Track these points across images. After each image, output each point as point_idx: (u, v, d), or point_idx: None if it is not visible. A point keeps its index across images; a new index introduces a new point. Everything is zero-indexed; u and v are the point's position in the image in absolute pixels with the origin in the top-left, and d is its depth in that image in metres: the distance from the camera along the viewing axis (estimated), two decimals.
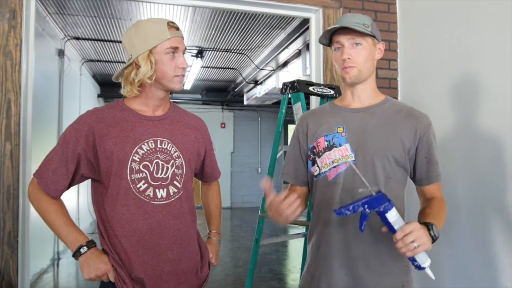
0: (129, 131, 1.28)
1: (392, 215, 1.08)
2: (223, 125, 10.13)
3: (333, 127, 1.33)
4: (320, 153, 1.34)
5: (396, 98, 2.61)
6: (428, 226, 1.11)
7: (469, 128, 2.06)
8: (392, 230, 1.08)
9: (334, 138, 1.31)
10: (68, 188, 1.30)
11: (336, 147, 1.30)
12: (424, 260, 1.09)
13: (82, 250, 1.23)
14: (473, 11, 2.06)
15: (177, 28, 1.31)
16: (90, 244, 1.26)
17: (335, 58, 1.31)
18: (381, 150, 1.26)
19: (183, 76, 1.32)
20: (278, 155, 2.42)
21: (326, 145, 1.32)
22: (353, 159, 1.27)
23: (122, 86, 1.32)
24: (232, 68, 6.93)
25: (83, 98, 6.30)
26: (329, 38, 1.34)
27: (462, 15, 2.12)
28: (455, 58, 2.17)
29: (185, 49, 1.32)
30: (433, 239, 1.10)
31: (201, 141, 1.44)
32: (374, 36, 1.29)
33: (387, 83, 2.63)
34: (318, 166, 1.35)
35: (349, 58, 1.26)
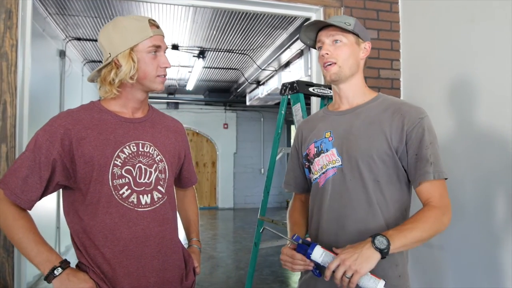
0: (109, 133, 1.19)
1: (316, 256, 1.07)
2: (225, 126, 10.10)
3: (322, 132, 1.31)
4: (311, 160, 1.32)
5: (399, 98, 2.56)
6: (372, 238, 1.04)
7: (473, 128, 2.01)
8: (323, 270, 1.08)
9: (322, 143, 1.29)
10: (40, 198, 1.18)
11: (323, 152, 1.27)
12: (372, 285, 1.01)
13: (56, 272, 1.11)
14: (477, 10, 2.02)
15: (158, 26, 1.25)
16: (64, 264, 1.13)
17: (318, 57, 1.30)
18: (365, 151, 1.20)
19: (165, 76, 1.25)
20: (278, 156, 2.39)
21: (315, 152, 1.30)
22: (340, 163, 1.23)
23: (99, 87, 1.24)
24: (234, 69, 6.90)
25: (85, 99, 6.28)
26: (314, 39, 1.33)
27: (465, 14, 2.08)
28: (459, 57, 2.12)
29: (167, 48, 1.27)
30: (381, 252, 1.03)
31: (181, 144, 1.39)
32: (357, 35, 1.26)
33: (389, 84, 2.58)
34: (312, 172, 1.33)
35: (327, 54, 1.24)
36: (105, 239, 1.16)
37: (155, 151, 1.26)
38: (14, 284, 1.99)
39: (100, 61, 6.27)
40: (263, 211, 2.49)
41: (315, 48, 1.34)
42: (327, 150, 1.26)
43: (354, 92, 1.30)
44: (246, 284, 2.48)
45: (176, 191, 1.52)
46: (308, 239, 1.17)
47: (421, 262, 2.22)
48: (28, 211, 1.19)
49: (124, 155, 1.19)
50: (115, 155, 1.18)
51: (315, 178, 1.30)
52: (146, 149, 1.24)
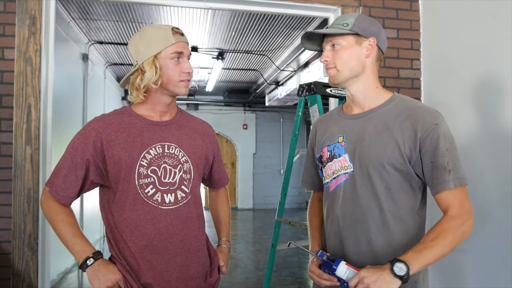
0: (136, 136, 1.28)
1: (341, 272, 1.12)
2: (245, 127, 10.13)
3: (335, 136, 1.30)
4: (324, 163, 1.31)
5: (419, 99, 2.52)
6: (391, 265, 1.05)
7: (497, 129, 1.96)
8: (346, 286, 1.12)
9: (335, 148, 1.28)
10: (78, 195, 1.30)
11: (336, 157, 1.26)
12: None
13: (88, 262, 1.22)
14: (500, 6, 1.96)
15: (182, 34, 1.31)
16: (97, 255, 1.24)
17: None
18: (376, 159, 1.18)
19: (189, 80, 1.32)
20: (296, 158, 2.38)
21: (328, 156, 1.30)
22: (352, 170, 1.23)
23: (129, 93, 1.33)
24: (253, 70, 6.91)
25: (107, 101, 6.42)
26: (321, 45, 1.32)
27: (487, 10, 2.02)
28: (481, 56, 2.07)
29: (190, 54, 1.32)
30: (401, 278, 1.04)
31: (209, 146, 1.44)
32: (357, 34, 1.22)
33: (409, 83, 2.54)
34: (323, 175, 1.33)
35: (326, 61, 1.25)
36: (131, 234, 1.25)
37: (181, 153, 1.32)
38: (39, 281, 2.05)
39: (121, 64, 6.40)
40: (280, 213, 2.48)
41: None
42: (339, 156, 1.26)
43: (364, 95, 1.27)
44: (264, 285, 2.48)
45: (209, 192, 1.62)
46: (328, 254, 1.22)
47: (443, 266, 2.17)
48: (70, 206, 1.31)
49: (150, 156, 1.27)
50: (142, 156, 1.26)
51: (326, 182, 1.30)
52: (172, 150, 1.31)
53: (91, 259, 1.22)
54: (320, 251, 1.19)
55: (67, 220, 1.27)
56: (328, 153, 1.29)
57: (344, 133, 1.27)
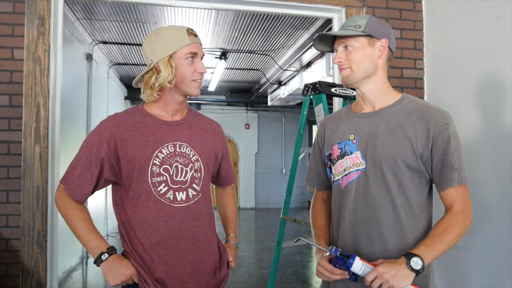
0: (149, 135, 1.31)
1: (357, 268, 1.13)
2: (247, 126, 10.15)
3: (346, 134, 1.32)
4: (334, 161, 1.33)
5: (422, 98, 2.54)
6: (407, 260, 1.10)
7: (499, 129, 1.98)
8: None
9: (346, 145, 1.30)
10: (92, 192, 1.34)
11: (348, 155, 1.29)
12: None
13: (103, 257, 1.25)
14: (502, 8, 1.98)
15: (196, 35, 1.34)
16: (111, 250, 1.27)
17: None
18: (390, 156, 1.21)
19: (201, 81, 1.35)
20: (300, 157, 2.41)
21: (339, 153, 1.31)
22: (364, 166, 1.25)
23: (142, 91, 1.36)
24: (256, 69, 6.93)
25: (111, 100, 6.45)
26: (331, 45, 1.35)
27: (490, 11, 2.04)
28: (484, 56, 2.09)
29: (203, 55, 1.36)
30: (417, 272, 1.09)
31: (218, 144, 1.47)
32: (369, 35, 1.25)
33: (412, 83, 2.56)
34: (333, 173, 1.34)
35: (339, 62, 1.27)
36: (144, 230, 1.28)
37: (192, 152, 1.35)
38: (47, 278, 2.08)
39: (125, 64, 6.42)
40: (285, 211, 2.51)
41: (332, 52, 1.37)
42: (351, 153, 1.28)
43: (375, 94, 1.30)
44: (269, 282, 2.51)
45: (216, 190, 1.65)
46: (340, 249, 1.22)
47: (446, 264, 2.19)
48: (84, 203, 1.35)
49: (162, 155, 1.30)
50: (154, 155, 1.29)
51: (337, 180, 1.32)
52: (183, 149, 1.34)
53: (106, 254, 1.25)
54: (334, 247, 1.20)
55: (82, 217, 1.31)
56: (339, 151, 1.31)
57: (355, 131, 1.30)
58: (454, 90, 2.30)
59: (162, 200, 1.29)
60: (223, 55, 5.73)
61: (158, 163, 1.29)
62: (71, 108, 4.49)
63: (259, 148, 10.30)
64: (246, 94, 9.14)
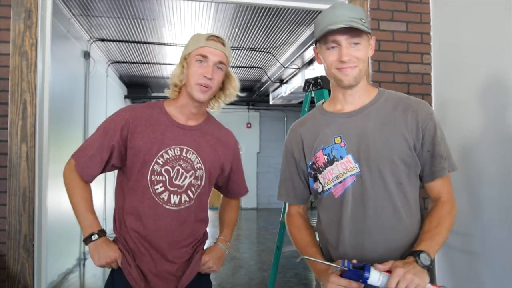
0: (159, 134, 1.35)
1: (374, 280, 1.02)
2: (249, 125, 10.07)
3: (329, 137, 1.20)
4: (321, 169, 1.21)
5: (429, 94, 2.43)
6: (416, 257, 1.03)
7: (508, 126, 1.86)
8: None
9: (333, 150, 1.19)
10: (99, 174, 1.38)
11: (337, 160, 1.18)
12: None
13: (93, 238, 1.30)
14: None
15: (222, 43, 1.35)
16: (102, 233, 1.32)
17: (328, 57, 1.17)
18: (385, 155, 1.14)
19: (206, 87, 1.33)
20: None
21: (326, 160, 1.20)
22: (358, 170, 1.16)
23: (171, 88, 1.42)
24: (257, 67, 6.83)
25: (110, 99, 6.36)
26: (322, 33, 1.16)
27: (500, 3, 1.93)
28: (495, 50, 1.97)
29: (218, 62, 1.34)
30: (427, 268, 1.03)
31: (227, 157, 1.47)
32: (369, 33, 1.17)
33: (419, 79, 2.45)
34: (320, 183, 1.22)
35: (350, 59, 1.14)
36: (134, 222, 1.34)
37: (197, 159, 1.38)
38: (35, 284, 1.98)
39: (124, 62, 6.33)
40: (285, 213, 2.40)
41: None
42: (341, 158, 1.17)
43: (361, 93, 1.23)
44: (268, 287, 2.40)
45: (222, 197, 1.68)
46: (354, 261, 1.07)
47: (455, 268, 2.09)
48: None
49: (167, 156, 1.34)
50: (159, 154, 1.33)
51: (328, 189, 1.20)
52: (189, 155, 1.37)
53: (96, 235, 1.31)
54: (346, 260, 1.07)
55: (83, 195, 1.35)
56: (325, 157, 1.20)
57: (340, 133, 1.19)
58: (463, 86, 2.19)
59: (157, 199, 1.33)
60: None
61: (161, 163, 1.33)
62: (67, 107, 4.40)
63: (261, 148, 10.22)
64: (247, 93, 9.04)
